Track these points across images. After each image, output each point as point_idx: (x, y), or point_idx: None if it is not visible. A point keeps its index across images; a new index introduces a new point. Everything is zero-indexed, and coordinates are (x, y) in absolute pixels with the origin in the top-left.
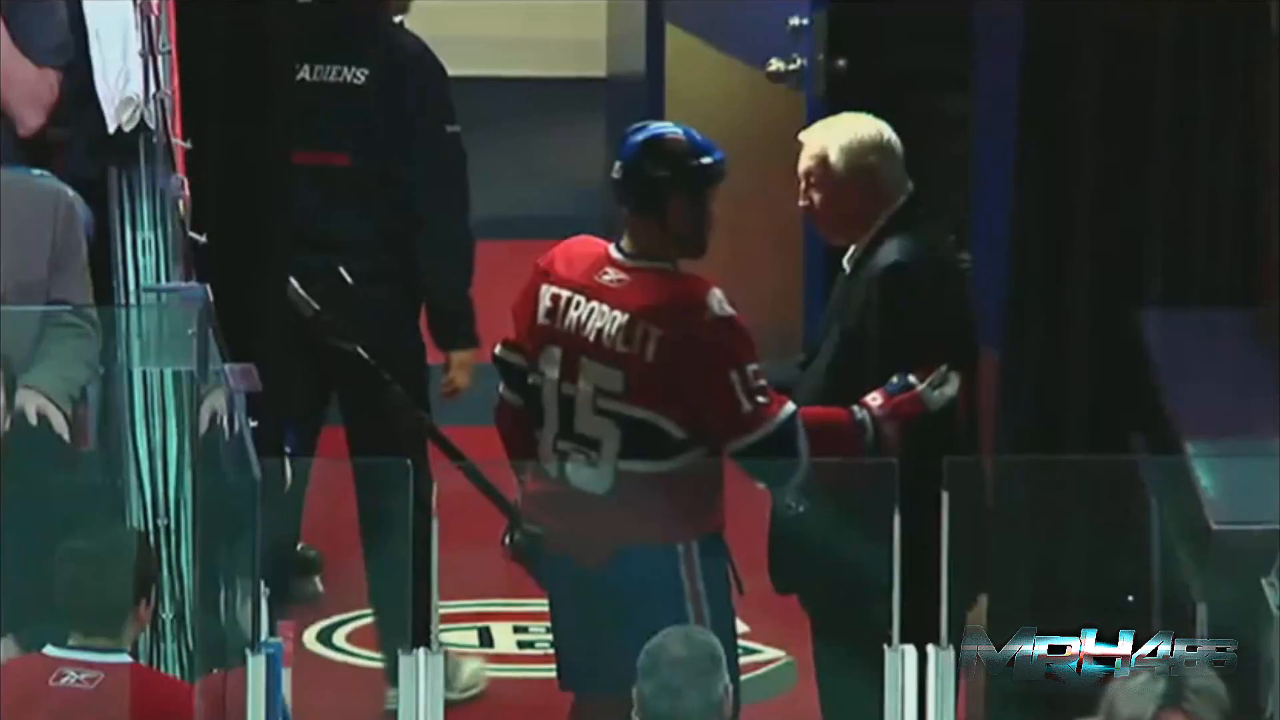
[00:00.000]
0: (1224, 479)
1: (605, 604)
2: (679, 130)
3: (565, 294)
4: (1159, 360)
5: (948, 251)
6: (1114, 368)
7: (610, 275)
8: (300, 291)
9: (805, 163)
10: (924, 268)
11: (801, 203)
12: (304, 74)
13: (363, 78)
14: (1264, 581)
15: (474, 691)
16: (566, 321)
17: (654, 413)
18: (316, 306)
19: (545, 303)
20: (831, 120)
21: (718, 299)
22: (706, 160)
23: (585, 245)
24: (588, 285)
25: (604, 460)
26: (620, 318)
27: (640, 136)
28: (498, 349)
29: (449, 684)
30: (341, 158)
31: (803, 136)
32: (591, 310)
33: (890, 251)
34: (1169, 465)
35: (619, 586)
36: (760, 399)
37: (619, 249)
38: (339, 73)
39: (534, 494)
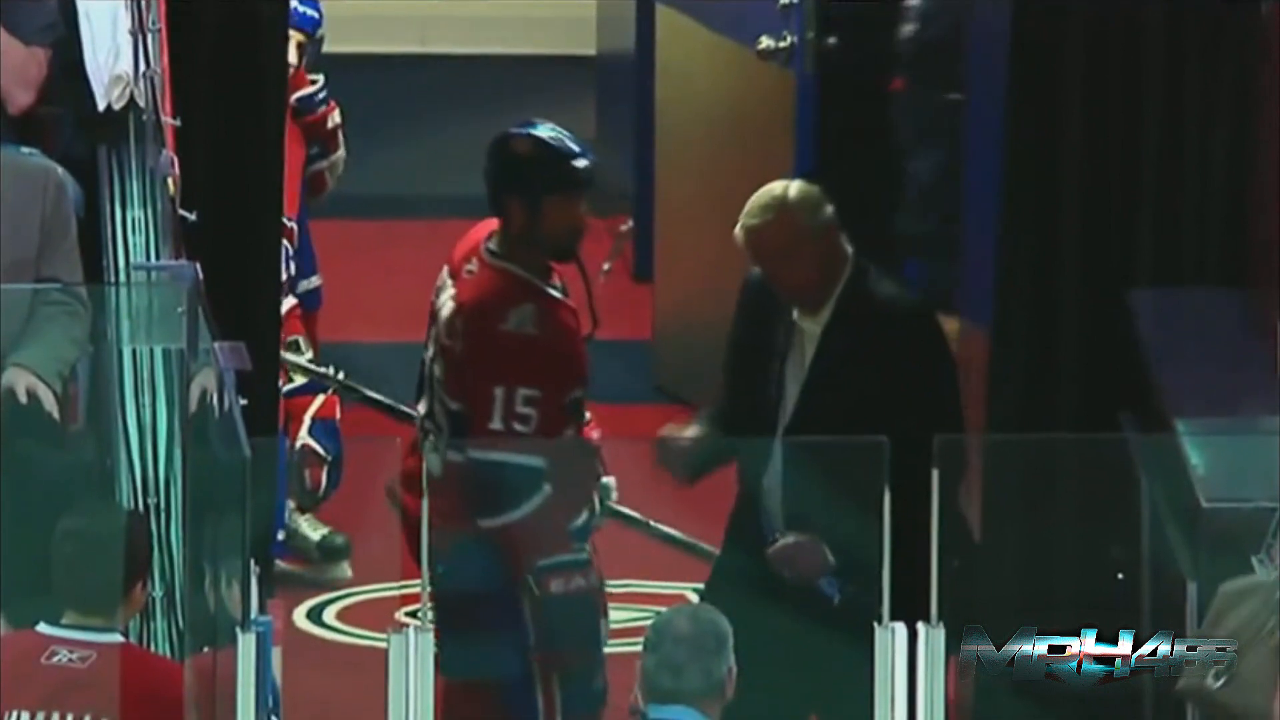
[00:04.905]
0: (1214, 457)
1: (444, 592)
2: (539, 132)
3: (444, 275)
4: (1149, 339)
5: None
6: (1104, 347)
7: (470, 266)
8: None
9: (768, 231)
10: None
11: (756, 268)
12: None
13: None
14: (1254, 559)
15: None
16: (437, 303)
17: (463, 406)
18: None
19: (438, 280)
20: (770, 189)
21: (525, 314)
22: (552, 166)
23: (480, 231)
24: (456, 272)
25: (442, 445)
26: (452, 309)
27: (497, 137)
28: None
29: None
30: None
31: (749, 216)
32: (449, 297)
33: (899, 304)
34: (1159, 444)
35: (453, 578)
36: (516, 425)
37: (487, 244)
38: None
39: (408, 471)
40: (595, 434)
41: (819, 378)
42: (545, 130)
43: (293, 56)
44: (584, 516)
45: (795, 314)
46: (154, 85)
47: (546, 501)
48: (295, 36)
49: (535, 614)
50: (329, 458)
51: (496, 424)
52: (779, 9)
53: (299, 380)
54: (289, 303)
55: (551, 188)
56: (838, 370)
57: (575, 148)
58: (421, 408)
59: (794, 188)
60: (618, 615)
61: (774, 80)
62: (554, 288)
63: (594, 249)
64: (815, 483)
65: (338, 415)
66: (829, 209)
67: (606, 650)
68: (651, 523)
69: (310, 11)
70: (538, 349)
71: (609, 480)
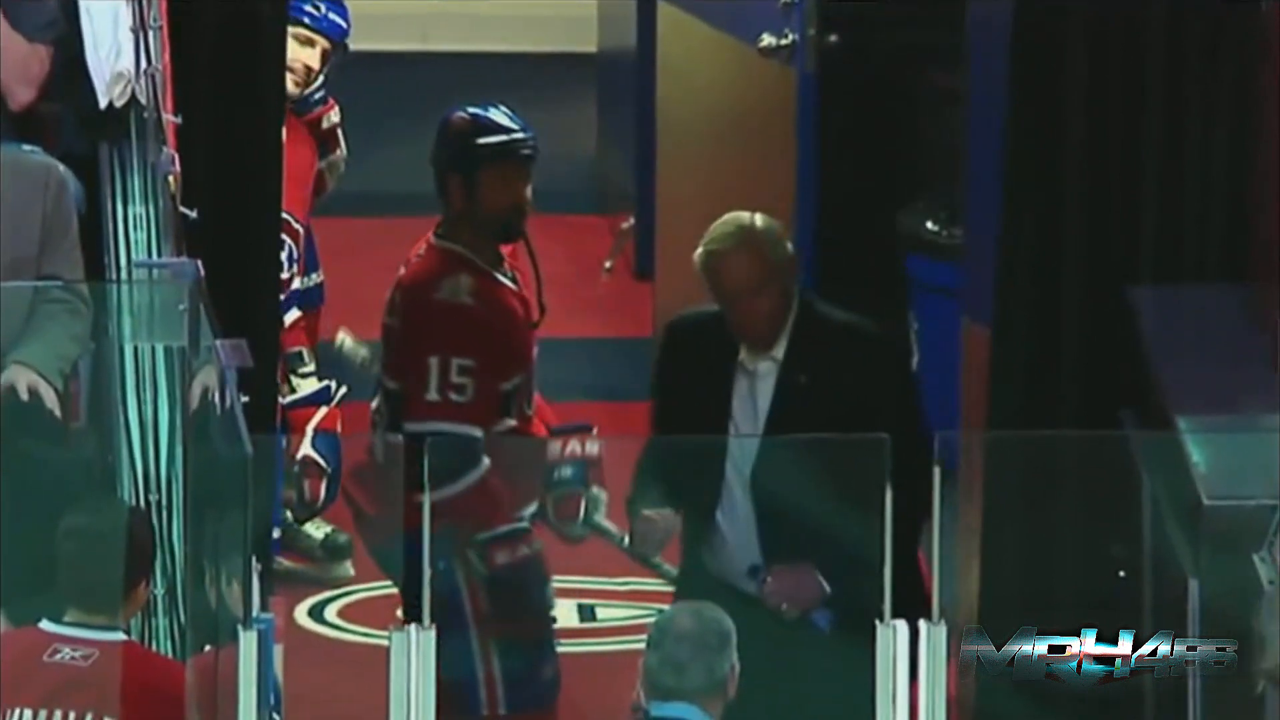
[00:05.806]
0: (1215, 455)
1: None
2: (477, 110)
3: (402, 269)
4: (1150, 337)
5: None
6: (1105, 345)
7: (420, 251)
8: None
9: (733, 259)
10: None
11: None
12: None
13: None
14: (1255, 557)
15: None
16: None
17: (402, 384)
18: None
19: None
20: (735, 217)
21: (457, 285)
22: (486, 141)
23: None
24: (407, 261)
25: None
26: (393, 288)
27: (441, 118)
28: None
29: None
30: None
31: (712, 241)
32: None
33: (857, 329)
34: (1160, 442)
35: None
36: (453, 395)
37: (436, 229)
38: None
39: (359, 467)
40: (594, 445)
41: (784, 413)
42: (486, 109)
43: (315, 62)
44: (534, 507)
45: (743, 354)
46: (155, 82)
47: (489, 472)
48: (320, 43)
49: (473, 589)
50: (329, 470)
51: (433, 395)
52: (780, 7)
53: (302, 392)
54: (294, 315)
55: (484, 161)
56: (803, 403)
57: (511, 124)
58: (375, 403)
59: (759, 218)
60: (618, 614)
61: (775, 78)
62: (503, 274)
63: (595, 247)
64: (798, 500)
65: (339, 428)
66: (789, 243)
67: (605, 649)
68: (628, 541)
69: (339, 20)
70: (472, 318)
71: (599, 492)
